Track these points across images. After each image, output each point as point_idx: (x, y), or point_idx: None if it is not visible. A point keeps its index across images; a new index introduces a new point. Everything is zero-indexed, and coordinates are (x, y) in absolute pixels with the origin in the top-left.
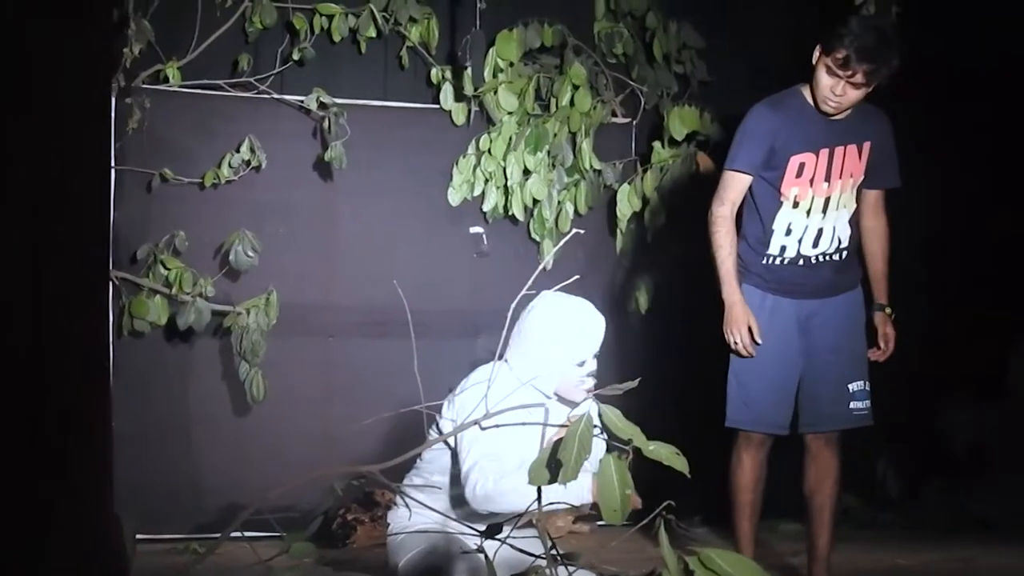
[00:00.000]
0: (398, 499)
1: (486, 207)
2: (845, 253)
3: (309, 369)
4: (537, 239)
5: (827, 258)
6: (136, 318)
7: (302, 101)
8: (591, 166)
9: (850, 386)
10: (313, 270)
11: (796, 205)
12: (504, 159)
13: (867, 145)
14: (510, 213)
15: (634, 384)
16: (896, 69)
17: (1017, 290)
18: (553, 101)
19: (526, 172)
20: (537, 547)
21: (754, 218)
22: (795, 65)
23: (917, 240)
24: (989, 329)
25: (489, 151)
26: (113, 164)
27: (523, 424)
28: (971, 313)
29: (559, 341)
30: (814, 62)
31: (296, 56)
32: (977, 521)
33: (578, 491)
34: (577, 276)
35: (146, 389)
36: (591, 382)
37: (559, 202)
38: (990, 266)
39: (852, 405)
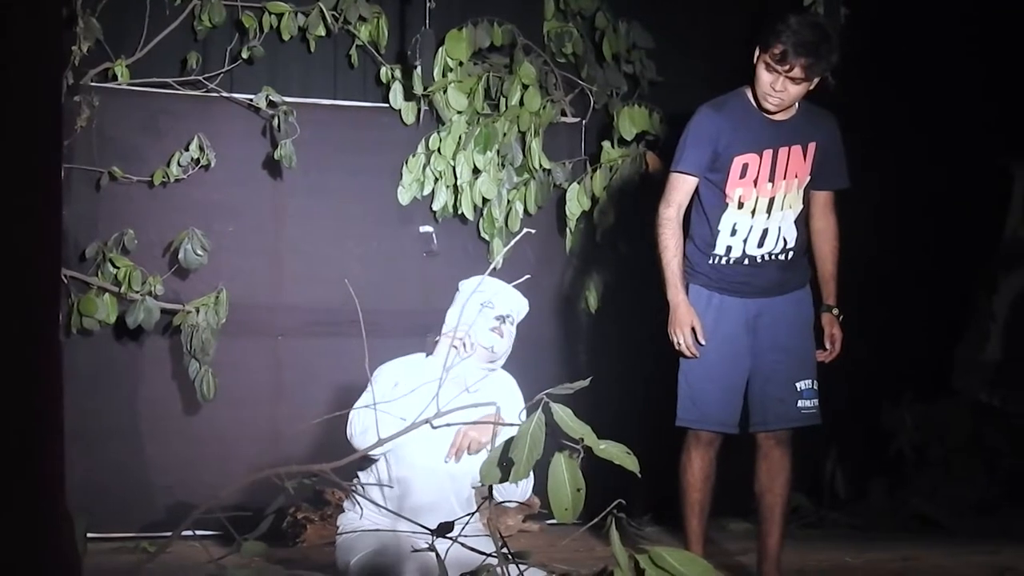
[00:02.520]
0: (348, 499)
1: (436, 206)
2: (791, 253)
3: (259, 368)
4: (487, 238)
5: (773, 258)
6: (85, 316)
7: (251, 100)
8: (541, 165)
9: (798, 385)
10: (263, 269)
11: (741, 206)
12: (454, 158)
13: (812, 146)
14: (460, 212)
15: (585, 383)
16: (834, 64)
17: (961, 291)
18: (503, 100)
19: (476, 171)
20: (488, 546)
21: (701, 220)
22: (745, 66)
23: (862, 240)
24: (933, 329)
25: (439, 150)
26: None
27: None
28: (916, 314)
29: (465, 293)
30: (754, 62)
31: (245, 54)
32: (922, 520)
33: None
34: (527, 276)
35: (95, 388)
36: (508, 330)
37: (509, 201)
38: (934, 266)
39: (800, 404)
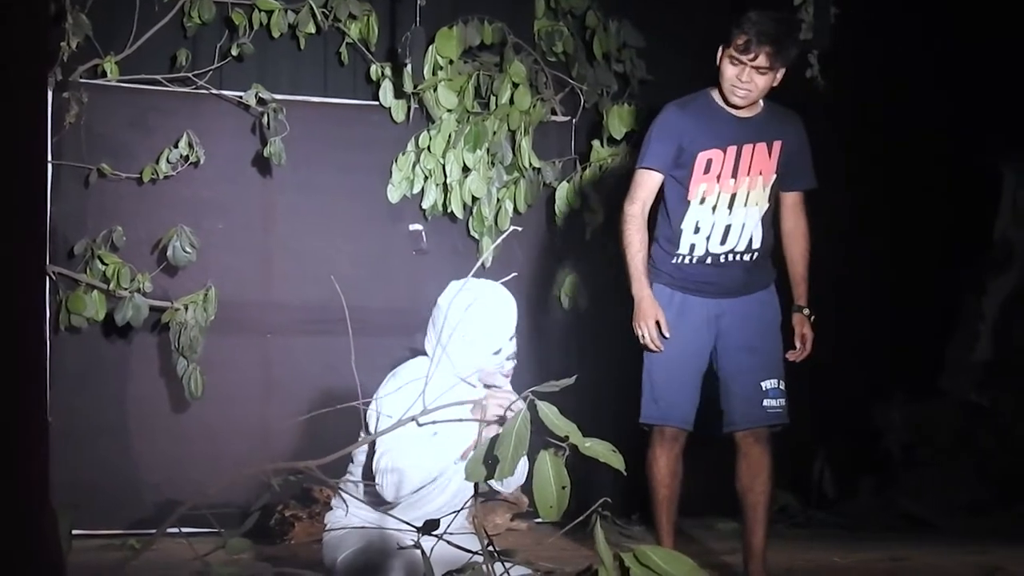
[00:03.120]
0: (335, 496)
1: (425, 204)
2: (756, 255)
3: (247, 366)
4: (476, 236)
5: (737, 257)
6: (73, 313)
7: (241, 97)
8: (530, 164)
9: (764, 384)
10: (251, 266)
11: (703, 201)
12: (443, 156)
13: (777, 144)
14: (449, 210)
15: (570, 381)
16: (797, 54)
17: (950, 291)
18: (493, 99)
19: (465, 170)
20: (474, 544)
21: (664, 220)
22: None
23: (852, 241)
24: (923, 330)
25: (428, 148)
26: (50, 159)
27: (460, 420)
28: (905, 314)
29: (472, 332)
30: (718, 61)
31: (235, 51)
32: (911, 520)
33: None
34: (514, 273)
35: (84, 385)
36: (511, 365)
37: (498, 200)
38: (923, 267)
39: (766, 403)
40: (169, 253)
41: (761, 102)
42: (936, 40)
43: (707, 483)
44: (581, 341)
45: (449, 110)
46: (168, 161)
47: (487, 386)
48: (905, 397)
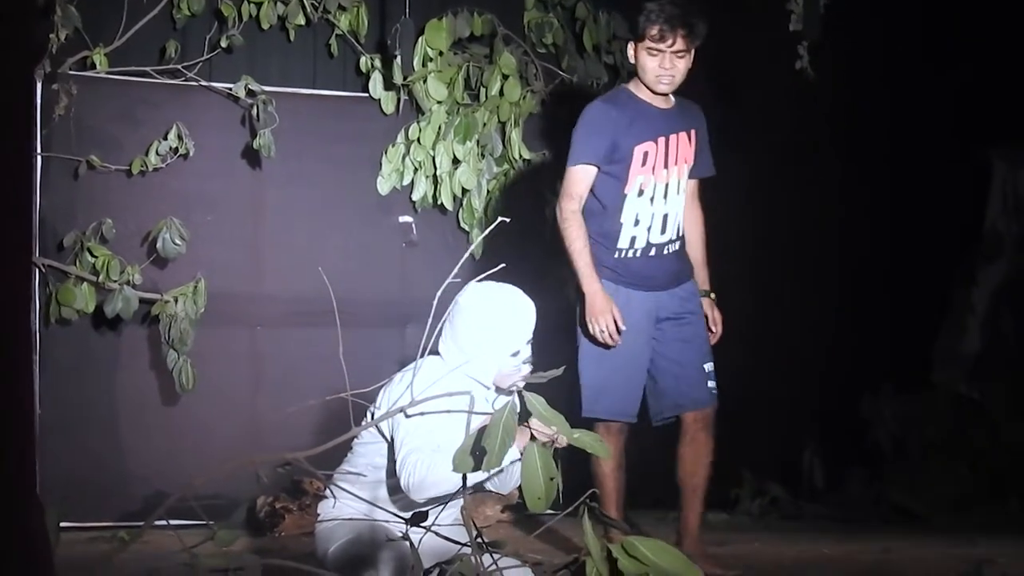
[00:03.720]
0: (328, 488)
1: (415, 196)
2: (681, 242)
3: (237, 358)
4: (466, 228)
5: (673, 247)
6: (63, 306)
7: (230, 89)
8: (520, 155)
9: (705, 367)
10: (241, 259)
11: (641, 193)
12: (433, 148)
13: (694, 133)
14: (439, 202)
15: (558, 372)
16: (706, 29)
17: (941, 283)
18: (483, 90)
19: (455, 161)
20: (463, 535)
21: (598, 216)
22: (720, 55)
23: (841, 232)
24: (913, 321)
25: (418, 140)
26: (39, 151)
27: (450, 412)
28: (895, 306)
29: (492, 333)
30: (632, 59)
31: (224, 43)
32: (900, 512)
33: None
34: (502, 265)
35: (74, 377)
36: (527, 369)
37: (488, 191)
38: (914, 258)
39: (710, 384)
40: (159, 245)
41: (671, 95)
42: (926, 30)
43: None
44: (572, 332)
45: (439, 102)
46: (157, 153)
47: (499, 390)
48: (895, 389)
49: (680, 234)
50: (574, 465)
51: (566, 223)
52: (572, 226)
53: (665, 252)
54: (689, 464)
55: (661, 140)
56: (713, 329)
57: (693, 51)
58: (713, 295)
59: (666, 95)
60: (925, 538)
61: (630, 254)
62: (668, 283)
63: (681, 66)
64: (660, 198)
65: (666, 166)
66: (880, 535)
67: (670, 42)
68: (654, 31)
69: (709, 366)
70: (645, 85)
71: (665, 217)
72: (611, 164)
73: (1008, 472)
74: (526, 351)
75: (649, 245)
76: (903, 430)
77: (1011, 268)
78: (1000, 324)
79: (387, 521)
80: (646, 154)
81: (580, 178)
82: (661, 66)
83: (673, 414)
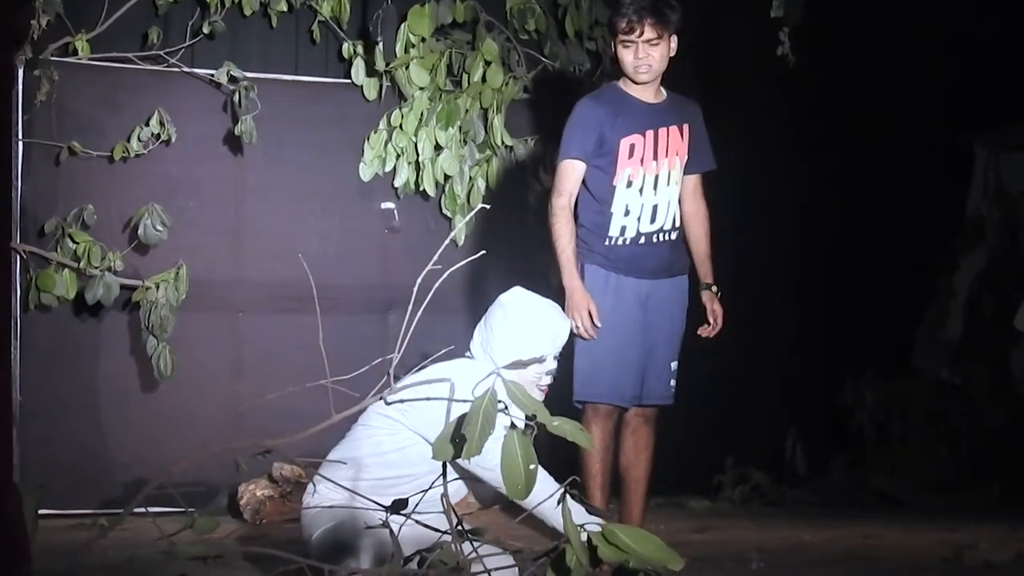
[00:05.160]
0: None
1: (397, 183)
2: (677, 233)
3: (218, 345)
4: (449, 215)
5: (665, 236)
6: (44, 292)
7: (212, 75)
8: (503, 142)
9: (671, 365)
10: (223, 245)
11: (630, 185)
12: (416, 135)
13: (687, 127)
14: (421, 189)
15: (539, 360)
16: (679, 20)
17: (922, 268)
18: (465, 77)
19: (438, 148)
20: (443, 523)
21: (590, 207)
22: (706, 43)
23: (822, 219)
24: (894, 306)
25: (400, 126)
26: (21, 137)
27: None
28: (877, 291)
29: (529, 343)
30: (613, 52)
31: (206, 29)
32: (882, 497)
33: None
34: (483, 252)
35: (54, 364)
36: (548, 380)
37: (471, 178)
38: (896, 243)
39: (671, 383)
40: (140, 231)
41: (663, 90)
42: (908, 17)
43: (677, 462)
44: None
45: (421, 88)
46: (139, 139)
47: None
48: (877, 375)
49: (675, 225)
50: (562, 447)
51: (553, 217)
52: (559, 221)
53: (655, 241)
54: (630, 455)
55: (649, 133)
56: (711, 322)
57: (671, 39)
58: (715, 288)
59: (654, 89)
60: (907, 523)
61: (620, 242)
62: (659, 272)
63: (656, 54)
64: (650, 189)
65: (655, 158)
66: (863, 521)
67: (639, 32)
68: (623, 23)
69: (674, 364)
70: (628, 78)
71: (655, 207)
72: (599, 158)
73: (990, 457)
74: (551, 364)
75: (639, 234)
76: (885, 415)
77: (992, 254)
78: (982, 309)
79: (368, 509)
80: (632, 147)
81: (568, 173)
82: (636, 56)
83: (637, 404)
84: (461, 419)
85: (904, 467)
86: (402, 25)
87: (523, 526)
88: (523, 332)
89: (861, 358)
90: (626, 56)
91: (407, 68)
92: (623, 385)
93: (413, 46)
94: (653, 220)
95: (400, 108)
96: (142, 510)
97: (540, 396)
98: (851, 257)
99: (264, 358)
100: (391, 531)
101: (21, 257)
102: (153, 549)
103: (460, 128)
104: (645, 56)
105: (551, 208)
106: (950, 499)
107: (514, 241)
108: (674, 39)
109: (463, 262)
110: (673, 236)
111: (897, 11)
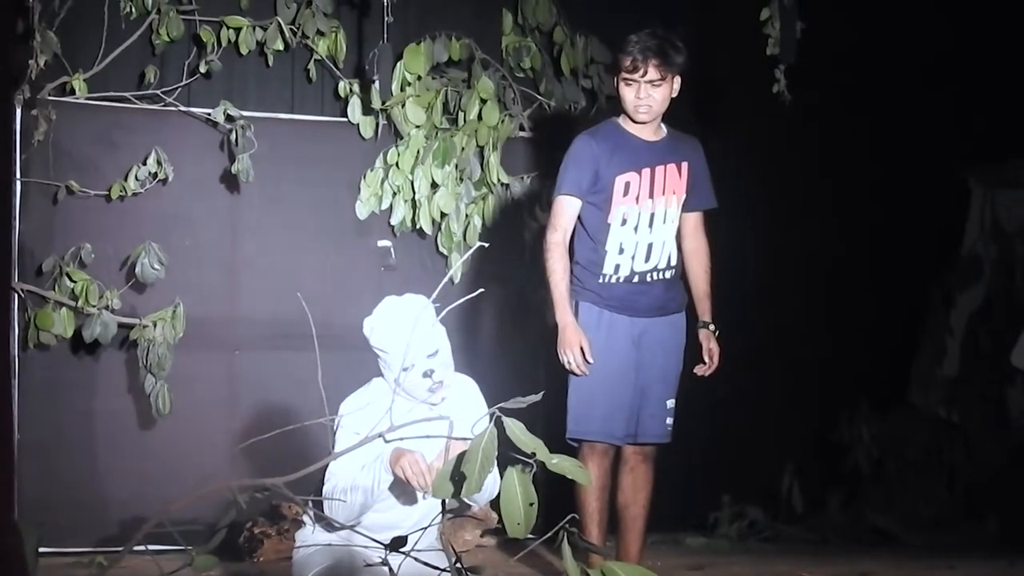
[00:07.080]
0: (306, 514)
1: (394, 220)
2: (673, 272)
3: (215, 382)
4: (445, 252)
5: (659, 275)
6: (42, 330)
7: (209, 114)
8: (499, 180)
9: (667, 403)
10: (220, 283)
11: (624, 222)
12: (412, 172)
13: (685, 165)
14: (418, 226)
15: (537, 398)
16: (683, 63)
17: (919, 306)
18: (461, 115)
19: (434, 185)
20: (442, 560)
21: (585, 243)
22: (700, 80)
23: (820, 255)
24: (891, 343)
25: (397, 164)
26: (19, 176)
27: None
28: (873, 327)
29: (388, 349)
30: (615, 90)
31: (203, 69)
32: (879, 534)
33: None
34: (481, 290)
35: (52, 402)
36: (429, 383)
37: (467, 215)
38: (892, 279)
39: (667, 421)
40: (137, 270)
41: (663, 127)
42: (903, 54)
43: (673, 499)
44: (552, 356)
45: (417, 126)
46: (136, 178)
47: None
48: (873, 411)
49: (670, 264)
50: (558, 485)
51: (548, 253)
52: (554, 256)
53: (649, 280)
54: (628, 493)
55: (645, 171)
56: (707, 361)
57: (674, 80)
58: (713, 327)
59: (653, 126)
60: (904, 560)
61: (613, 280)
62: (652, 311)
63: (658, 96)
64: (645, 227)
65: (651, 196)
66: (859, 557)
67: (643, 72)
68: (627, 62)
69: (671, 403)
70: (627, 116)
71: (650, 246)
72: (594, 195)
73: (986, 493)
74: (423, 364)
75: (633, 273)
76: (882, 452)
77: (989, 291)
78: (979, 346)
79: (366, 546)
80: (627, 184)
81: (563, 209)
82: (637, 96)
83: (624, 442)
84: (461, 457)
85: (901, 503)
86: (398, 63)
87: (521, 564)
88: (385, 345)
89: (857, 394)
90: (627, 94)
91: (403, 106)
92: (615, 423)
93: (409, 84)
94: (648, 259)
95: (396, 146)
96: (141, 548)
97: (436, 399)
98: (847, 292)
99: (261, 396)
100: (390, 569)
101: (19, 296)
102: None
103: (456, 166)
104: (647, 96)
105: (546, 243)
106: (947, 536)
107: (510, 279)
108: (677, 80)
109: (461, 300)
110: (668, 275)
111: (891, 48)
